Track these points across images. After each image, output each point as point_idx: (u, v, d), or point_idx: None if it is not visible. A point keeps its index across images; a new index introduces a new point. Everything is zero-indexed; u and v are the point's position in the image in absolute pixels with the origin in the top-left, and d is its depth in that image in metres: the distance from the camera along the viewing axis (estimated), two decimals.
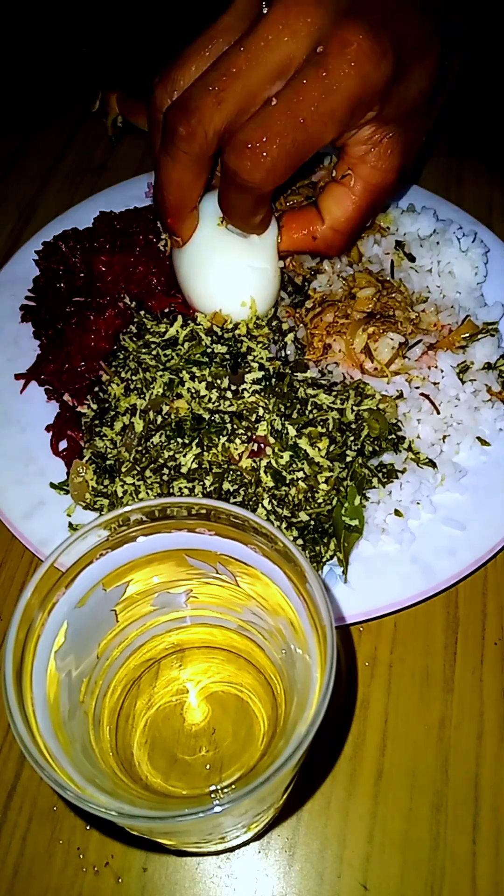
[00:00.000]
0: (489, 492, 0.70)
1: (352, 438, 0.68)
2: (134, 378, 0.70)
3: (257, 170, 0.56)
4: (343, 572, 0.65)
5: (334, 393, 0.70)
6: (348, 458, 0.67)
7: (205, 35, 0.60)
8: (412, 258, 0.81)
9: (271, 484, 0.65)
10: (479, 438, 0.73)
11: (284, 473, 0.65)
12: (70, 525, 0.70)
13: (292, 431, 0.66)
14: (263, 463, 0.65)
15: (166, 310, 0.77)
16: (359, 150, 0.62)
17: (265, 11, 0.55)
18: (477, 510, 0.69)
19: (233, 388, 0.68)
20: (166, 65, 0.62)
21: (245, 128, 0.56)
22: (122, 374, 0.71)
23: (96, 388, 0.73)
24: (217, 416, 0.66)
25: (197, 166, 0.61)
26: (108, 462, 0.69)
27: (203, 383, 0.68)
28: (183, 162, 0.60)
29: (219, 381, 0.68)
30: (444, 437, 0.72)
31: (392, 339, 0.72)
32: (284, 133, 0.55)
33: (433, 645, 0.67)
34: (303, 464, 0.65)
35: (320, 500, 0.66)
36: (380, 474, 0.68)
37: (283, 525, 0.65)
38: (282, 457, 0.65)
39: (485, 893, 0.57)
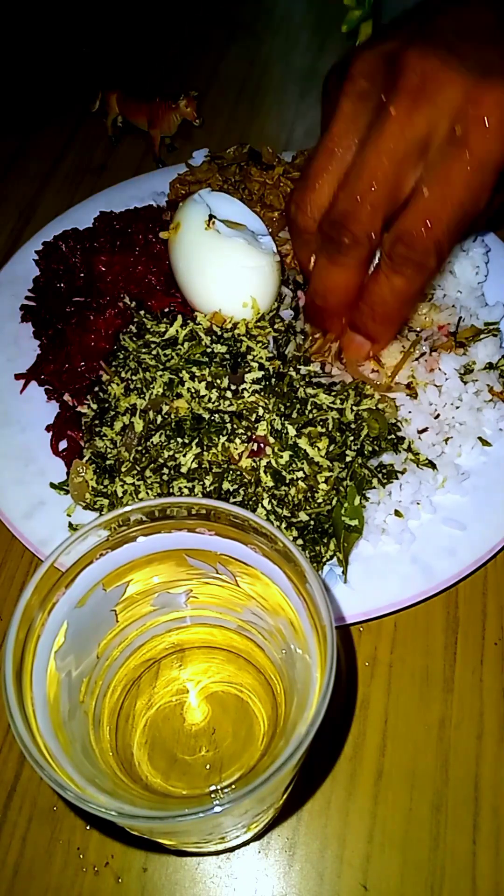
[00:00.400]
0: (489, 492, 0.70)
1: (351, 438, 0.68)
2: (134, 378, 0.70)
3: (430, 254, 0.58)
4: (343, 572, 0.65)
5: (334, 393, 0.70)
6: (348, 458, 0.67)
7: (322, 149, 0.60)
8: None
9: (271, 484, 0.65)
10: (480, 439, 0.73)
11: (284, 473, 0.65)
12: (70, 525, 0.70)
13: (292, 431, 0.66)
14: (263, 463, 0.65)
15: (166, 309, 0.77)
16: None
17: (391, 106, 0.55)
18: (477, 510, 0.69)
19: (232, 387, 0.68)
20: (296, 190, 0.64)
21: (405, 220, 0.57)
22: (122, 374, 0.71)
23: (96, 388, 0.73)
24: (217, 415, 0.66)
25: (363, 269, 0.62)
26: (107, 462, 0.69)
27: (203, 383, 0.68)
28: (351, 267, 0.62)
29: (218, 381, 0.68)
30: (447, 438, 0.72)
31: (402, 347, 0.73)
32: (445, 219, 0.56)
33: (433, 645, 0.67)
34: (302, 463, 0.65)
35: (320, 500, 0.66)
36: (380, 475, 0.68)
37: (283, 525, 0.65)
38: (282, 456, 0.65)
39: (485, 893, 0.57)
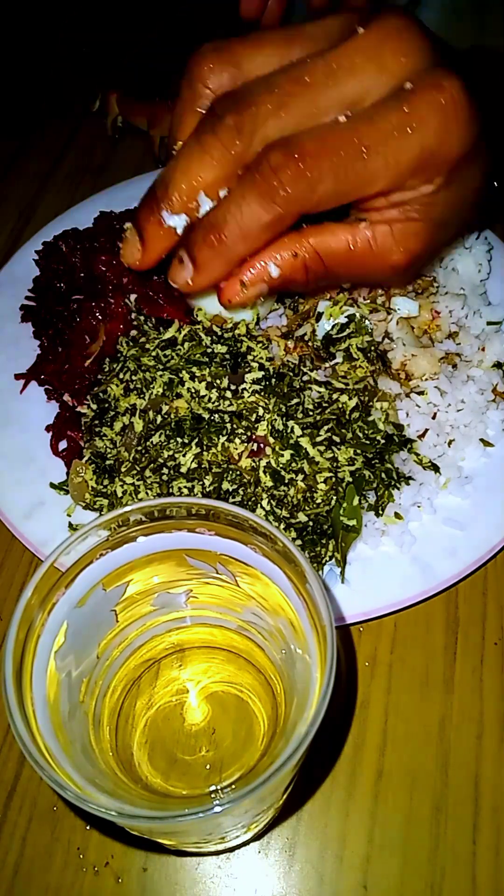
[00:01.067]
0: (489, 492, 0.70)
1: (352, 437, 0.67)
2: (134, 378, 0.70)
3: (297, 182, 0.48)
4: (341, 573, 0.65)
5: (338, 392, 0.70)
6: (349, 457, 0.67)
7: (285, 33, 0.53)
8: None
9: (270, 484, 0.65)
10: (482, 440, 0.73)
11: (283, 473, 0.65)
12: (70, 525, 0.70)
13: (297, 430, 0.66)
14: (263, 463, 0.65)
15: (164, 315, 0.77)
16: (388, 213, 0.54)
17: (359, 31, 0.49)
18: (477, 510, 0.69)
19: (232, 387, 0.68)
20: (233, 41, 0.53)
21: (301, 135, 0.49)
22: (121, 376, 0.71)
23: (96, 389, 0.73)
24: (217, 415, 0.66)
25: (224, 168, 0.52)
26: (107, 462, 0.69)
27: (203, 383, 0.68)
28: (213, 157, 0.51)
29: (218, 381, 0.68)
30: (450, 441, 0.72)
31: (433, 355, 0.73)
32: (341, 156, 0.48)
33: (433, 645, 0.67)
34: (302, 463, 0.65)
35: (319, 501, 0.66)
36: (391, 479, 0.68)
37: (282, 526, 0.65)
38: (282, 456, 0.65)
39: (485, 893, 0.57)
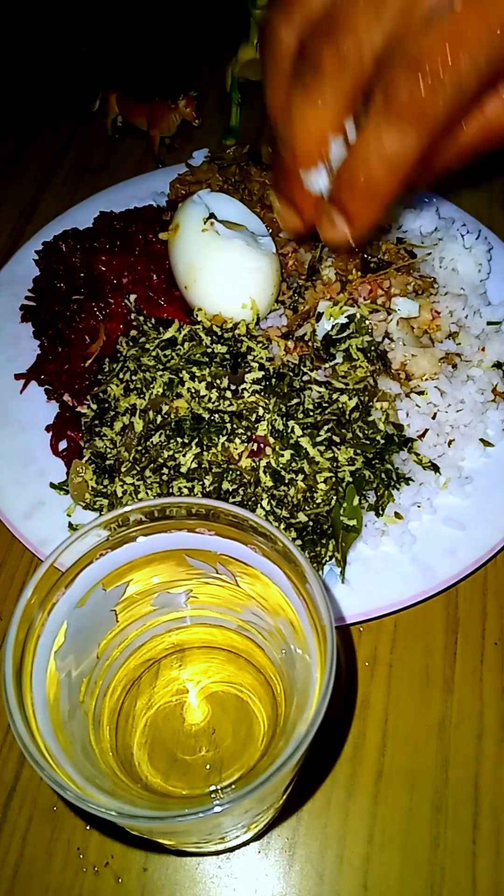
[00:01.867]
0: (489, 492, 0.70)
1: (352, 437, 0.67)
2: (134, 378, 0.70)
3: (441, 95, 0.41)
4: (341, 573, 0.65)
5: (338, 392, 0.70)
6: (349, 457, 0.67)
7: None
8: (413, 255, 0.81)
9: (270, 483, 0.65)
10: (482, 440, 0.73)
11: (283, 473, 0.65)
12: (70, 525, 0.70)
13: (298, 430, 0.66)
14: (263, 463, 0.65)
15: (164, 316, 0.77)
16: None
17: None
18: (477, 510, 0.69)
19: (232, 387, 0.68)
20: None
21: (422, 40, 0.40)
22: (121, 376, 0.71)
23: (96, 389, 0.73)
24: (217, 415, 0.66)
25: (345, 107, 0.45)
26: (107, 462, 0.69)
27: (203, 383, 0.68)
28: (332, 101, 0.45)
29: (218, 381, 0.68)
30: (450, 441, 0.72)
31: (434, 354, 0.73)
32: (477, 45, 0.40)
33: (433, 645, 0.67)
34: (302, 463, 0.65)
35: (319, 501, 0.65)
36: (391, 480, 0.68)
37: (282, 526, 0.65)
38: (282, 455, 0.65)
39: (485, 893, 0.57)
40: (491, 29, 0.40)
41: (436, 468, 0.70)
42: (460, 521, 0.68)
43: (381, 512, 0.67)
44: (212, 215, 0.72)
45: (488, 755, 0.62)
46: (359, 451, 0.67)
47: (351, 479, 0.66)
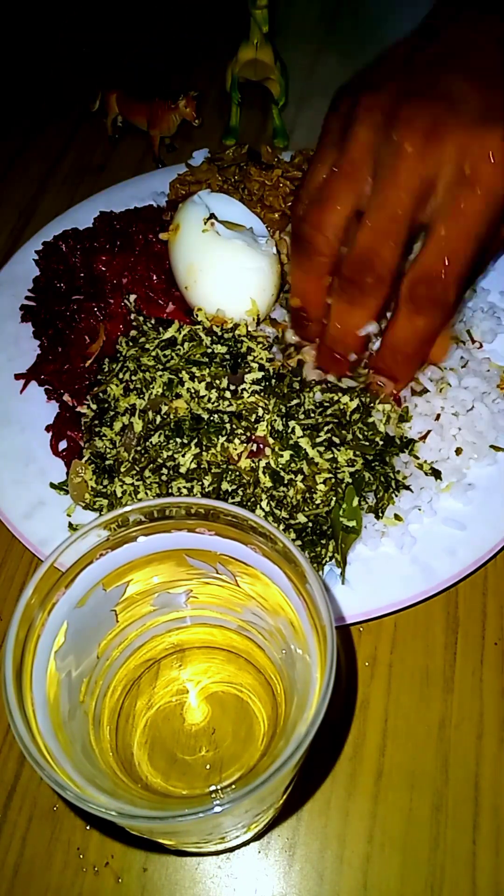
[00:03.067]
0: (489, 492, 0.70)
1: (352, 439, 0.67)
2: (133, 378, 0.70)
3: (450, 290, 0.59)
4: (341, 573, 0.65)
5: (339, 392, 0.70)
6: (348, 459, 0.67)
7: (342, 172, 0.61)
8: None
9: (269, 484, 0.65)
10: (492, 446, 0.72)
11: (283, 474, 0.65)
12: (70, 525, 0.70)
13: (298, 431, 0.66)
14: (262, 464, 0.65)
15: (164, 316, 0.77)
16: None
17: (399, 140, 0.56)
18: (477, 510, 0.69)
19: (232, 387, 0.68)
20: (311, 210, 0.63)
21: (423, 261, 0.59)
22: (121, 376, 0.71)
23: (96, 389, 0.73)
24: (216, 416, 0.66)
25: (380, 309, 0.64)
26: (107, 462, 0.69)
27: (203, 383, 0.68)
28: (372, 308, 0.63)
29: (218, 382, 0.68)
30: (458, 450, 0.71)
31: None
32: (463, 253, 0.58)
33: (433, 645, 0.67)
34: (302, 463, 0.65)
35: (318, 502, 0.65)
36: (390, 484, 0.68)
37: (281, 527, 0.65)
38: (282, 456, 0.65)
39: (485, 893, 0.57)
40: (467, 237, 0.58)
41: (437, 474, 0.70)
42: (460, 521, 0.68)
43: (380, 514, 0.67)
44: (212, 216, 0.72)
45: (488, 755, 0.62)
46: (358, 453, 0.67)
47: (350, 481, 0.66)
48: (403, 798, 0.60)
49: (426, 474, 0.70)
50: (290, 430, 0.66)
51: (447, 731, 0.63)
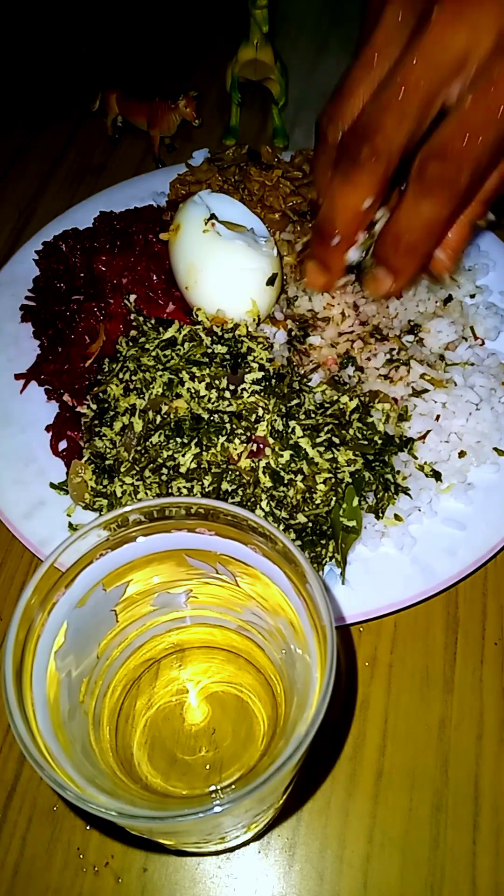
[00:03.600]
0: (489, 492, 0.70)
1: (351, 438, 0.67)
2: (133, 378, 0.70)
3: (464, 172, 0.53)
4: (341, 573, 0.65)
5: (337, 394, 0.70)
6: (348, 458, 0.67)
7: (362, 57, 0.56)
8: None
9: (269, 484, 0.65)
10: (496, 449, 0.72)
11: (283, 473, 0.65)
12: (70, 525, 0.70)
13: (299, 431, 0.66)
14: (262, 464, 0.65)
15: (164, 316, 0.77)
16: None
17: (433, 13, 0.51)
18: (477, 510, 0.69)
19: (231, 387, 0.68)
20: (329, 101, 0.58)
21: (443, 133, 0.53)
22: (121, 376, 0.71)
23: (96, 389, 0.73)
24: (216, 415, 0.66)
25: (379, 189, 0.57)
26: (107, 462, 0.69)
27: (203, 383, 0.68)
28: (366, 185, 0.57)
29: (217, 382, 0.68)
30: (461, 453, 0.71)
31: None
32: (486, 130, 0.52)
33: (433, 645, 0.67)
34: (302, 463, 0.65)
35: (318, 502, 0.65)
36: (389, 486, 0.68)
37: (281, 527, 0.65)
38: (282, 456, 0.65)
39: (485, 893, 0.57)
40: (494, 115, 0.51)
41: (437, 476, 0.70)
42: (460, 521, 0.68)
43: (380, 514, 0.67)
44: (213, 216, 0.72)
45: (488, 755, 0.62)
46: (358, 453, 0.67)
47: (350, 481, 0.66)
48: (403, 798, 0.60)
49: (426, 476, 0.70)
50: (290, 430, 0.66)
51: (447, 731, 0.63)
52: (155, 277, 0.79)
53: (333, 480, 0.66)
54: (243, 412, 0.67)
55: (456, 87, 0.53)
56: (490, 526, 0.68)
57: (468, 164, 0.53)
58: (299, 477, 0.65)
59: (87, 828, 0.60)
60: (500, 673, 0.66)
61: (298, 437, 0.66)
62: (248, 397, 0.67)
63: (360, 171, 0.56)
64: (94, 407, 0.72)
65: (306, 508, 0.65)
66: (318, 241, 0.63)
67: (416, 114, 0.53)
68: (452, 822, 0.59)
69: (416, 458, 0.70)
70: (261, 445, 0.66)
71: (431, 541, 0.67)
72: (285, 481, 0.65)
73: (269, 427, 0.66)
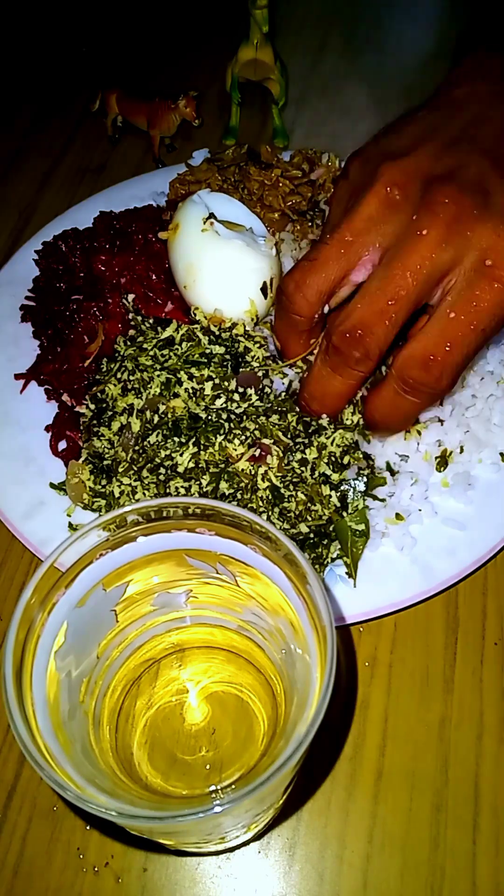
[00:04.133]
0: (490, 493, 0.70)
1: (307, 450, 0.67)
2: (131, 378, 0.70)
3: (444, 378, 0.57)
4: (352, 577, 0.65)
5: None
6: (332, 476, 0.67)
7: (337, 237, 0.59)
8: None
9: (268, 494, 0.65)
10: (502, 454, 0.72)
11: (283, 491, 0.64)
12: (70, 525, 0.70)
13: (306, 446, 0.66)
14: (262, 470, 0.65)
15: (163, 315, 0.77)
16: None
17: (418, 222, 0.56)
18: (477, 510, 0.69)
19: (241, 390, 0.67)
20: (297, 269, 0.62)
21: (424, 341, 0.57)
22: (119, 375, 0.71)
23: (94, 388, 0.73)
24: (213, 414, 0.66)
25: (362, 380, 0.63)
26: (105, 462, 0.69)
27: (206, 383, 0.67)
28: (355, 381, 0.62)
29: (221, 382, 0.68)
30: (462, 447, 0.71)
31: None
32: (466, 343, 0.57)
33: (433, 645, 0.67)
34: (306, 472, 0.65)
35: (321, 513, 0.65)
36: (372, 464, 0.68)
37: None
38: (290, 463, 0.65)
39: (485, 893, 0.57)
40: (475, 329, 0.56)
41: (443, 464, 0.69)
42: (460, 521, 0.68)
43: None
44: (211, 215, 0.72)
45: (488, 755, 0.62)
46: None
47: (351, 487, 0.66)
48: (403, 798, 0.60)
49: (427, 461, 0.69)
50: (297, 436, 0.66)
51: (447, 731, 0.63)
52: (154, 277, 0.79)
53: (339, 495, 0.65)
54: (243, 416, 0.66)
55: (438, 292, 0.57)
56: (490, 526, 0.68)
57: (448, 371, 0.57)
58: (301, 489, 0.65)
59: (87, 828, 0.60)
60: (500, 673, 0.66)
61: (305, 446, 0.66)
62: (255, 400, 0.67)
63: (353, 370, 0.61)
64: (92, 407, 0.72)
65: (309, 518, 0.65)
66: (310, 410, 0.68)
67: (403, 318, 0.58)
68: (452, 822, 0.59)
69: (372, 466, 0.70)
70: (263, 452, 0.65)
71: (431, 541, 0.67)
72: (286, 498, 0.65)
73: (276, 432, 0.66)
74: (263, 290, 0.72)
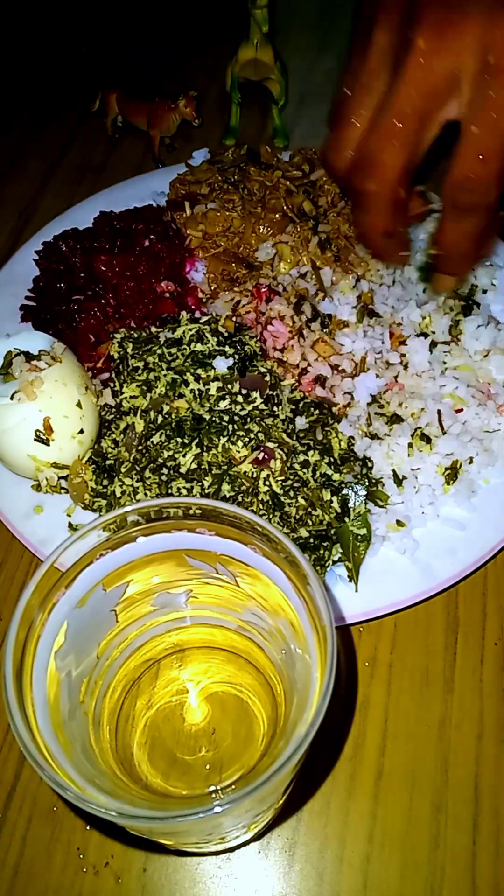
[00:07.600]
0: (489, 493, 0.70)
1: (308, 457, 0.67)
2: (138, 378, 0.70)
3: (491, 191, 0.56)
4: (354, 582, 0.64)
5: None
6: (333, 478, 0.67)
7: (356, 83, 0.59)
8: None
9: (268, 499, 0.65)
10: None
11: (283, 498, 0.64)
12: (70, 525, 0.70)
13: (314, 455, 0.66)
14: (264, 474, 0.65)
15: (164, 315, 0.76)
16: None
17: (414, 41, 0.54)
18: (477, 510, 0.69)
19: (244, 392, 0.67)
20: (330, 127, 0.61)
21: (459, 163, 0.56)
22: (134, 375, 0.71)
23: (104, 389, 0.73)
24: (217, 416, 0.66)
25: (394, 208, 0.61)
26: (107, 462, 0.69)
27: (213, 384, 0.67)
28: (381, 210, 0.61)
29: (230, 386, 0.68)
30: (471, 459, 0.71)
31: None
32: (499, 150, 0.55)
33: (433, 645, 0.67)
34: (308, 475, 0.65)
35: (321, 518, 0.65)
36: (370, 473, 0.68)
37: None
38: (292, 466, 0.65)
39: (485, 893, 0.57)
40: (501, 134, 0.54)
41: (453, 477, 0.69)
42: (460, 521, 0.68)
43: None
44: None
45: (488, 755, 0.62)
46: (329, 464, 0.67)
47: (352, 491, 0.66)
48: (403, 798, 0.60)
49: (444, 476, 0.69)
50: (299, 438, 0.66)
51: (447, 731, 0.63)
52: (154, 278, 0.79)
53: (340, 500, 0.65)
54: (247, 418, 0.66)
55: (453, 106, 0.55)
56: (490, 526, 0.68)
57: (492, 183, 0.56)
58: (301, 493, 0.65)
59: (87, 828, 0.60)
60: (500, 673, 0.66)
61: (305, 450, 0.66)
62: (260, 403, 0.67)
63: (372, 202, 0.60)
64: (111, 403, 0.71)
65: (309, 522, 0.65)
66: (368, 242, 0.67)
67: (412, 140, 0.56)
68: (452, 822, 0.59)
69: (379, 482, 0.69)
70: (267, 456, 0.65)
71: (431, 540, 0.67)
72: (286, 505, 0.65)
73: (280, 437, 0.65)
74: (39, 438, 0.65)
